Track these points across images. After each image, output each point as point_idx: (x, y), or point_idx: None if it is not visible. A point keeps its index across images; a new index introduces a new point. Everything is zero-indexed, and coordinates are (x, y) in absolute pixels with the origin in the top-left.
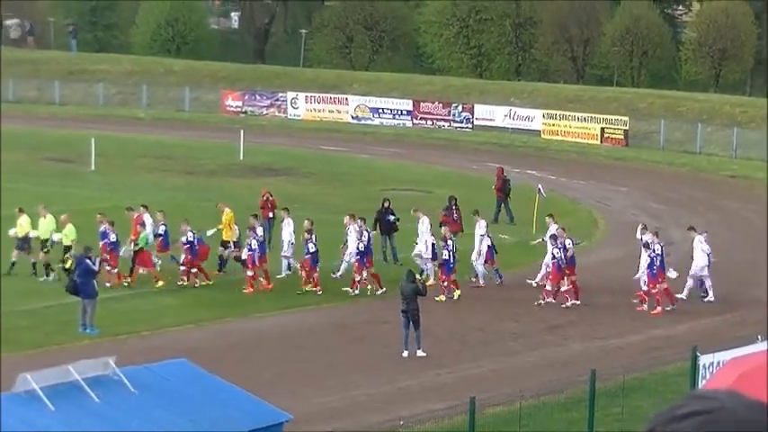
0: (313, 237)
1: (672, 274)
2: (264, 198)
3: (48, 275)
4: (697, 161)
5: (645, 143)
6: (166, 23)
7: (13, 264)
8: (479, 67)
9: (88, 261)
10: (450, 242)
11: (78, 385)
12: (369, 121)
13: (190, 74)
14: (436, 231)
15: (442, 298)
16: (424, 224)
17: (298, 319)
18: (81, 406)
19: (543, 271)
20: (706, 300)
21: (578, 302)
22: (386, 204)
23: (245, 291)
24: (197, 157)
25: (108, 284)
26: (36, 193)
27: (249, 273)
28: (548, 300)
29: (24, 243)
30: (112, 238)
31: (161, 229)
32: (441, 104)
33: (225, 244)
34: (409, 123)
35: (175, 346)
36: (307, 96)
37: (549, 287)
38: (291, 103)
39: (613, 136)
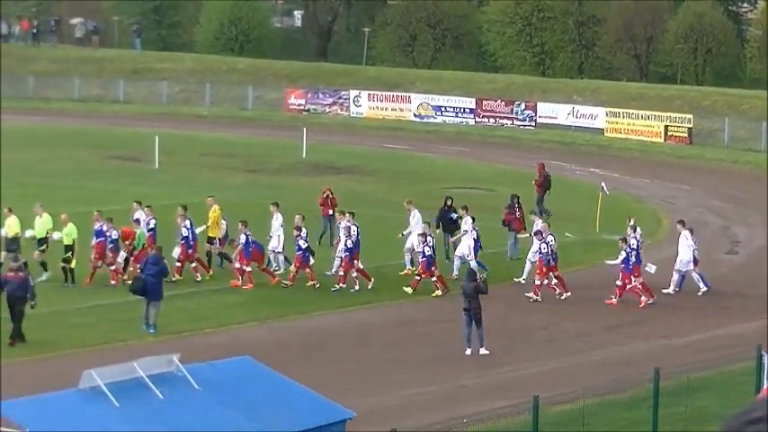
0: (302, 233)
1: (650, 268)
2: (325, 195)
3: (43, 275)
4: (761, 159)
5: (708, 141)
6: (230, 22)
7: (0, 265)
8: (542, 65)
9: (165, 262)
10: (430, 238)
11: (143, 382)
12: (431, 120)
13: (253, 72)
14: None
15: (438, 293)
16: (414, 217)
17: (360, 317)
18: (145, 403)
19: (528, 267)
20: (700, 293)
21: (569, 293)
22: (448, 203)
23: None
24: (260, 155)
25: (113, 282)
26: (100, 191)
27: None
28: (537, 297)
29: (13, 244)
30: (114, 235)
31: (152, 224)
32: (503, 102)
33: (211, 240)
34: (472, 121)
35: (239, 343)
36: (369, 94)
37: (537, 281)
38: (354, 101)
39: (677, 134)
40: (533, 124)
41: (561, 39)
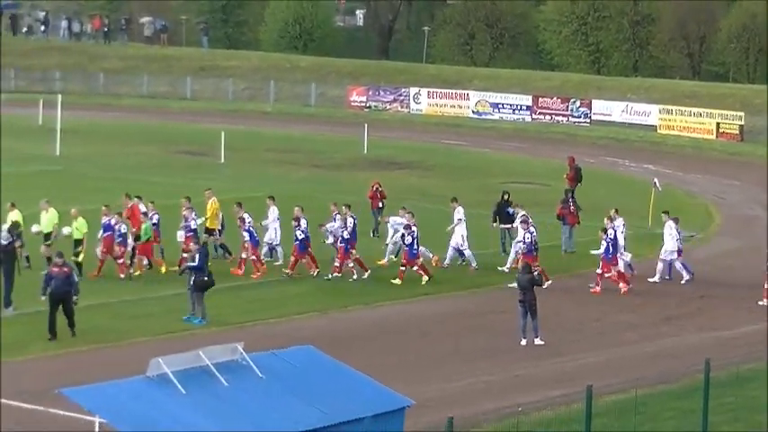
0: (301, 224)
1: (626, 256)
2: (374, 188)
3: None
4: None
5: (760, 138)
6: (294, 21)
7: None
8: (597, 63)
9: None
10: (413, 228)
11: (208, 370)
12: (489, 116)
13: (316, 70)
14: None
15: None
16: (458, 213)
17: (418, 309)
18: (210, 390)
19: (512, 257)
20: (683, 282)
21: (550, 281)
22: (505, 197)
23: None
24: (322, 151)
25: (122, 276)
26: (167, 185)
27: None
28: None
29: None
30: (123, 229)
31: (155, 219)
32: (559, 100)
33: (210, 231)
34: (528, 118)
35: (301, 333)
36: (429, 92)
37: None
38: (414, 99)
39: (729, 131)
40: (588, 121)
41: (616, 38)
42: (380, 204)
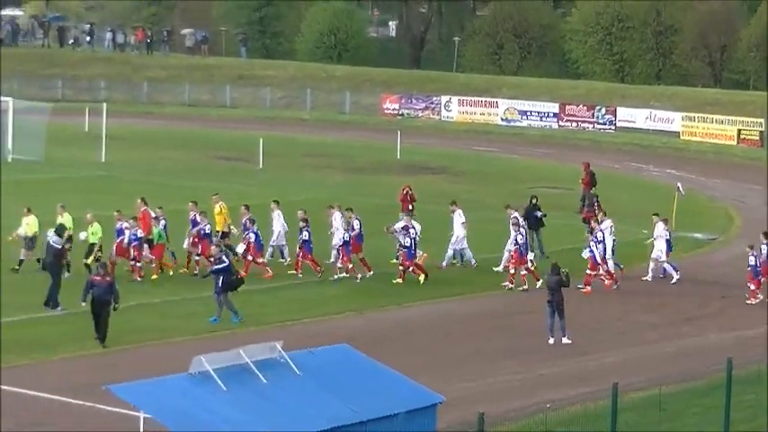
0: (307, 225)
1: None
2: (405, 192)
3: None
4: None
5: None
6: (329, 32)
7: (21, 262)
8: (622, 71)
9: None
10: (412, 230)
11: (248, 368)
12: (517, 123)
13: (350, 79)
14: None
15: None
16: (459, 217)
17: (448, 309)
18: (250, 387)
19: (506, 256)
20: (672, 283)
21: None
22: (533, 201)
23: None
24: (357, 156)
25: (138, 279)
26: (207, 189)
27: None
28: (510, 285)
29: (31, 242)
30: (139, 233)
31: (162, 223)
32: (585, 107)
33: (222, 234)
34: (555, 125)
35: (337, 332)
36: (459, 99)
37: (512, 270)
38: (445, 106)
39: (749, 137)
40: (613, 128)
41: (640, 47)
42: (410, 207)
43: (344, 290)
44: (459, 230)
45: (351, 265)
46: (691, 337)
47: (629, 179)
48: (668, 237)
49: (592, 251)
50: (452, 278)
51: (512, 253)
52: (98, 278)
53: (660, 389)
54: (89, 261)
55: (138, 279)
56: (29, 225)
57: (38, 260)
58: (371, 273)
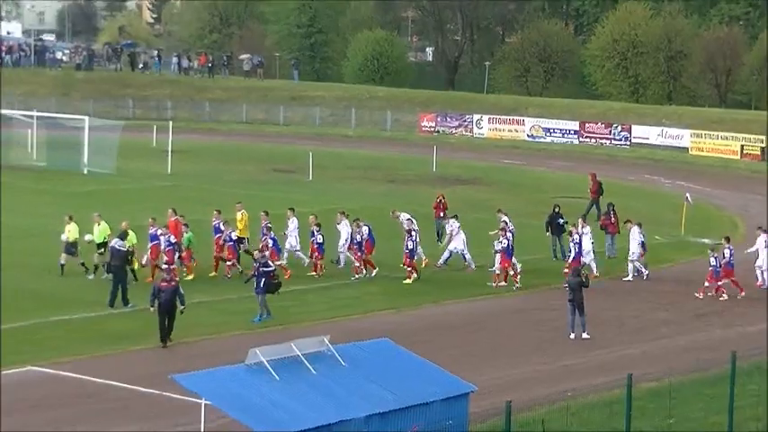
0: (320, 229)
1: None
2: (438, 200)
3: (94, 273)
4: None
5: None
6: (372, 57)
7: (63, 266)
8: (636, 93)
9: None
10: (414, 233)
11: (299, 359)
12: (541, 139)
13: (391, 99)
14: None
15: (408, 281)
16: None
17: (479, 307)
18: (301, 377)
19: (497, 258)
20: (644, 279)
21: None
22: (556, 209)
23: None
24: (397, 169)
25: (190, 276)
26: (263, 197)
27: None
28: (500, 284)
29: (72, 247)
30: (172, 239)
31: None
32: (603, 125)
33: (241, 240)
34: (576, 141)
35: (379, 327)
36: (489, 118)
37: (498, 272)
38: (476, 124)
39: (751, 152)
40: (628, 144)
41: (653, 71)
42: (442, 214)
43: (385, 289)
44: (460, 236)
45: (357, 264)
46: (699, 332)
47: (642, 190)
48: (642, 240)
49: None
50: (483, 279)
51: (500, 254)
52: (164, 284)
53: (671, 379)
54: (135, 266)
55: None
56: (70, 232)
57: (104, 264)
58: (376, 270)
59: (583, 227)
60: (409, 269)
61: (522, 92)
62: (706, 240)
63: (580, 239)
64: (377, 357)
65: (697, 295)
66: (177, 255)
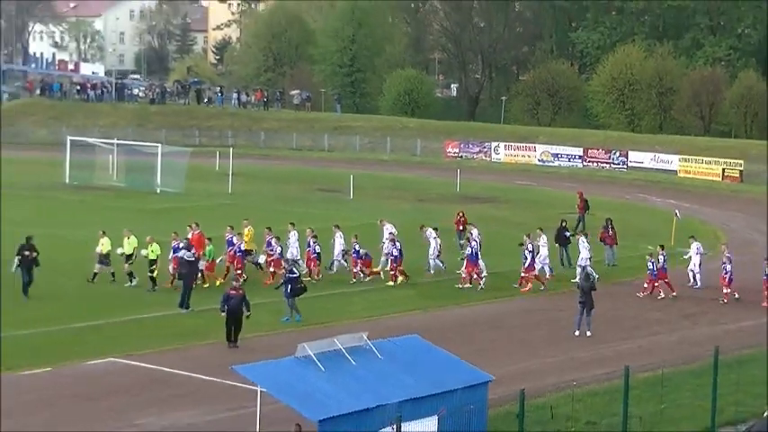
0: (317, 240)
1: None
2: (459, 216)
3: (131, 282)
4: None
5: (756, 180)
6: (404, 92)
7: (95, 275)
8: (632, 123)
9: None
10: (398, 243)
11: (341, 352)
12: (550, 164)
13: (420, 129)
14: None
15: (391, 283)
16: (387, 230)
17: (496, 308)
18: (343, 368)
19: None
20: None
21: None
22: (563, 224)
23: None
24: (425, 189)
25: (206, 284)
26: (309, 214)
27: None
28: (466, 285)
29: (105, 258)
30: (192, 250)
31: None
32: (603, 151)
33: (249, 252)
34: (580, 165)
35: (410, 325)
36: (505, 145)
37: (464, 275)
38: (494, 150)
39: (731, 175)
40: (625, 167)
41: (646, 104)
42: (461, 228)
43: (415, 293)
44: (432, 243)
45: (356, 269)
46: (687, 329)
47: (637, 207)
48: (589, 248)
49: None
50: (500, 284)
51: (465, 260)
52: (233, 292)
53: (663, 370)
54: (154, 274)
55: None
56: (103, 245)
57: (173, 272)
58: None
59: (539, 237)
60: (393, 273)
61: (534, 122)
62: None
63: (533, 249)
64: (408, 351)
65: (638, 295)
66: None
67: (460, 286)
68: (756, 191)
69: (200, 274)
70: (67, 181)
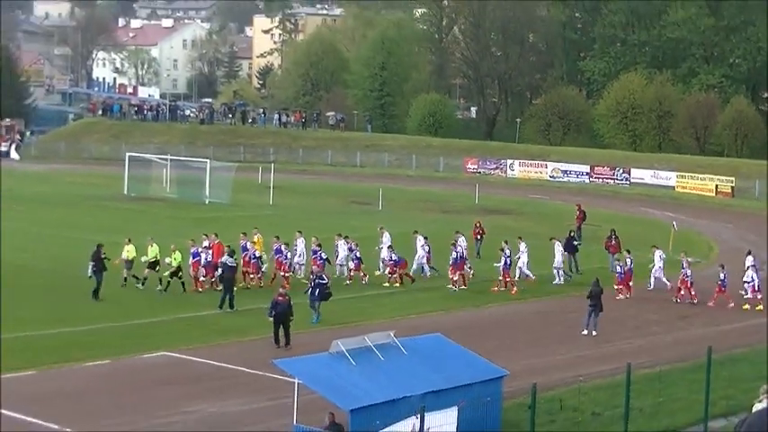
0: (321, 249)
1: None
2: (476, 226)
3: (145, 284)
4: None
5: (745, 195)
6: (429, 114)
7: (126, 279)
8: (634, 143)
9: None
10: (393, 252)
11: (370, 349)
12: (560, 179)
13: (443, 147)
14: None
15: (387, 284)
16: (385, 237)
17: (510, 310)
18: (372, 363)
19: (450, 267)
20: (554, 282)
21: (465, 287)
22: (571, 234)
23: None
24: (447, 201)
25: (200, 290)
26: (342, 224)
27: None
28: (456, 287)
29: (130, 264)
30: (209, 257)
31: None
32: (608, 168)
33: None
34: (587, 181)
35: (432, 325)
36: (520, 162)
37: (453, 277)
38: (510, 167)
39: (723, 190)
40: (628, 183)
41: (647, 126)
42: (478, 237)
43: (437, 295)
44: (420, 251)
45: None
46: (682, 330)
47: (639, 218)
48: (563, 251)
49: (506, 263)
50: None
51: (450, 266)
52: (281, 298)
53: (661, 367)
54: (183, 279)
55: (200, 290)
56: (128, 252)
57: (217, 275)
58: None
59: (519, 244)
60: (392, 277)
61: (545, 142)
62: (688, 259)
63: (509, 253)
64: (431, 348)
65: (618, 297)
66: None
67: (452, 287)
68: (746, 205)
69: (199, 278)
70: (126, 192)
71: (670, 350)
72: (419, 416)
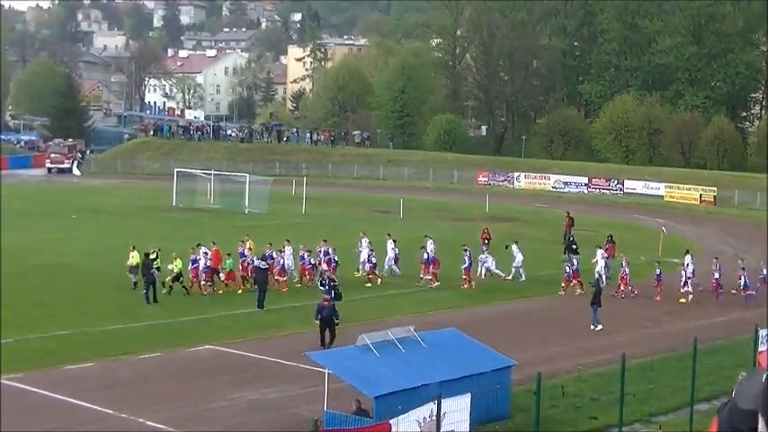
0: (311, 254)
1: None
2: (484, 231)
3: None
4: (759, 214)
5: (726, 203)
6: (445, 132)
7: (135, 283)
8: (627, 157)
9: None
10: (373, 254)
11: (393, 342)
12: (562, 190)
13: (457, 162)
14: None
15: (369, 284)
16: (365, 242)
17: (517, 307)
18: (394, 354)
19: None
20: (521, 280)
21: (438, 283)
22: (571, 238)
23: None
24: (460, 210)
25: (205, 293)
26: (367, 229)
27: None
28: (433, 285)
29: (135, 269)
30: (208, 263)
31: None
32: (604, 180)
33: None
34: (585, 191)
35: (447, 320)
36: (525, 175)
37: (428, 277)
38: (516, 179)
39: (707, 200)
40: (622, 193)
41: (639, 142)
42: (486, 241)
43: (453, 294)
44: (390, 253)
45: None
46: (671, 324)
47: (631, 225)
48: (522, 255)
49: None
50: (519, 288)
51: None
52: (325, 303)
53: (651, 357)
54: (184, 283)
55: (205, 293)
56: (133, 258)
57: (246, 277)
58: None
59: (515, 245)
60: (370, 276)
61: (548, 157)
62: (675, 260)
63: (471, 255)
64: (447, 341)
65: (560, 293)
66: (211, 274)
67: (430, 286)
68: (727, 212)
69: (200, 281)
70: (175, 204)
71: (660, 342)
72: (436, 402)
